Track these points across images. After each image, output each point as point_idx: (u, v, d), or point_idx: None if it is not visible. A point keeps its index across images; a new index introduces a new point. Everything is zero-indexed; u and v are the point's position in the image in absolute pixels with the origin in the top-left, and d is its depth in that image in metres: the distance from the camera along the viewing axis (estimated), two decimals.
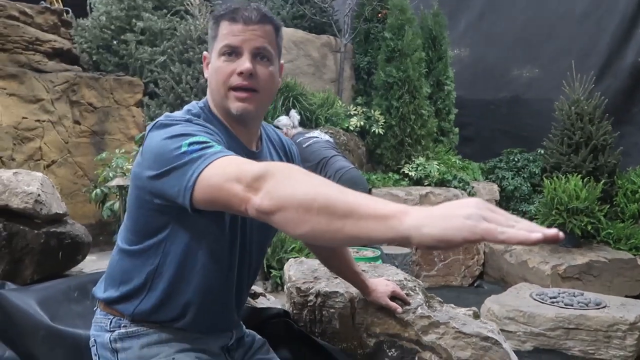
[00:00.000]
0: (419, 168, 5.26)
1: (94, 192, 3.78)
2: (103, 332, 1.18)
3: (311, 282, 1.61)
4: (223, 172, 0.92)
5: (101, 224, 4.07)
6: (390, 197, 4.68)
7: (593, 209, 4.46)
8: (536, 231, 0.66)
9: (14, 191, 2.17)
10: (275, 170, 0.87)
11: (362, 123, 5.45)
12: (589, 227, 4.42)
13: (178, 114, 1.13)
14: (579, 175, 4.71)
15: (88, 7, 5.20)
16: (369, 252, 3.18)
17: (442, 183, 5.21)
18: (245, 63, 1.12)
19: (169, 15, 5.05)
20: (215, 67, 1.15)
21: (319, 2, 6.16)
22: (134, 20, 4.84)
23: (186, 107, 1.19)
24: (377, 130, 5.43)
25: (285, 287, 1.74)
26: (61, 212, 2.36)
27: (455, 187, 5.15)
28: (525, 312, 3.09)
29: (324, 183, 0.84)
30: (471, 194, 5.15)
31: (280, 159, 1.32)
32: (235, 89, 1.13)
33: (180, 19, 5.04)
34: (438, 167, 5.29)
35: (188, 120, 1.07)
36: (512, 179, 5.81)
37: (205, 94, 1.23)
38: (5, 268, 2.11)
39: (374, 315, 1.50)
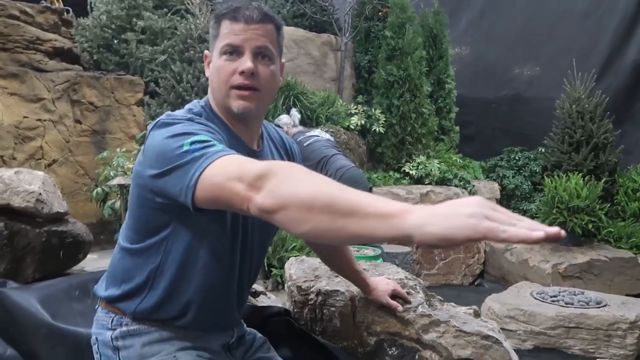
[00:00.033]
0: (420, 167, 5.26)
1: (95, 191, 3.79)
2: (104, 330, 1.19)
3: (312, 280, 1.62)
4: (225, 171, 0.92)
5: (102, 223, 4.08)
6: (391, 195, 4.68)
7: (594, 207, 4.46)
8: (538, 229, 0.67)
9: (16, 190, 2.17)
10: (277, 169, 0.87)
11: (362, 122, 5.45)
12: (590, 226, 4.42)
13: (179, 112, 1.13)
14: (580, 174, 4.70)
15: (88, 7, 5.20)
16: (369, 251, 3.18)
17: (442, 182, 5.21)
18: (246, 62, 1.12)
19: (169, 14, 5.06)
20: (217, 66, 1.15)
21: (319, 1, 6.16)
22: (134, 20, 4.84)
23: (187, 106, 1.19)
24: (377, 129, 5.43)
25: (286, 285, 1.75)
26: (62, 211, 2.37)
27: (456, 186, 5.15)
28: (525, 310, 3.09)
29: (326, 182, 0.84)
30: (472, 193, 5.15)
31: (282, 158, 1.32)
32: (237, 87, 1.14)
33: (181, 18, 5.04)
34: (439, 165, 5.29)
35: (190, 119, 1.07)
36: (513, 177, 5.81)
37: (205, 93, 1.23)
38: (6, 267, 2.12)
39: (374, 314, 1.50)
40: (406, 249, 3.88)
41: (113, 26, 4.83)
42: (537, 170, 5.70)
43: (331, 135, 4.29)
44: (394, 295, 1.50)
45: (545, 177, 4.89)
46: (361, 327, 1.51)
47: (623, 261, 4.39)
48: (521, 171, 5.87)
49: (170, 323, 1.17)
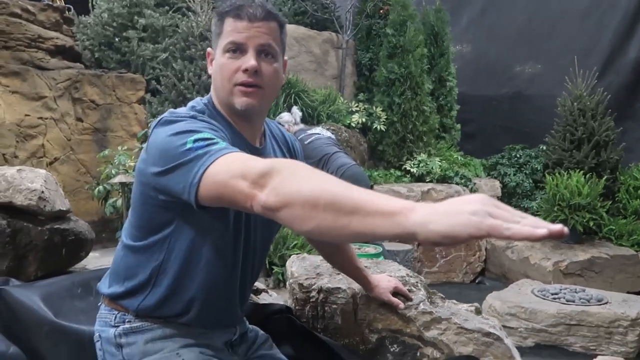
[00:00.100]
0: (421, 164, 5.26)
1: (97, 189, 3.79)
2: (108, 328, 1.19)
3: (313, 278, 1.62)
4: (228, 169, 0.92)
5: (104, 221, 4.08)
6: (392, 193, 4.68)
7: (595, 205, 4.46)
8: (541, 227, 0.67)
9: (18, 188, 2.18)
10: (281, 167, 0.87)
11: (363, 120, 5.45)
12: (591, 224, 4.42)
13: (182, 110, 1.14)
14: (581, 172, 4.70)
15: (90, 4, 5.20)
16: (370, 249, 3.18)
17: (443, 179, 5.21)
18: (250, 60, 1.12)
19: (170, 12, 5.06)
20: (220, 64, 1.15)
21: None
22: (135, 17, 4.84)
23: (190, 104, 1.19)
24: (378, 127, 5.43)
25: (287, 283, 1.75)
26: (64, 208, 2.37)
27: (457, 184, 5.15)
28: (526, 308, 3.09)
29: (329, 179, 0.85)
30: (473, 191, 5.15)
31: (284, 155, 1.32)
32: (240, 85, 1.14)
33: (182, 15, 5.04)
34: (440, 163, 5.29)
35: (193, 117, 1.07)
36: (514, 175, 5.80)
37: (207, 91, 1.23)
38: (9, 264, 2.13)
39: (376, 311, 1.50)
40: (407, 246, 3.88)
41: (114, 24, 4.83)
42: (539, 168, 5.70)
43: (332, 133, 4.29)
44: (396, 293, 1.50)
45: (546, 175, 4.89)
46: (363, 325, 1.52)
47: (624, 259, 4.39)
48: (522, 169, 5.87)
49: (173, 320, 1.18)
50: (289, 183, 0.85)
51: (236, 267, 1.19)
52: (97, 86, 4.39)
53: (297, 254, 1.98)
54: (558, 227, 0.66)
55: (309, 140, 3.90)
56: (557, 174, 4.74)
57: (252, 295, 1.74)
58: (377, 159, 5.68)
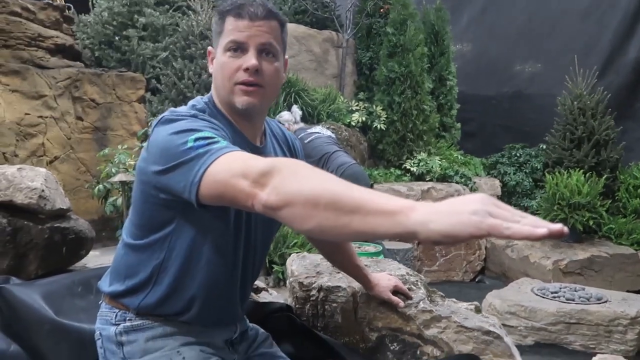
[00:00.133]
0: (421, 163, 5.26)
1: (97, 188, 3.79)
2: (108, 326, 1.19)
3: (314, 276, 1.62)
4: (229, 168, 0.92)
5: (104, 220, 4.08)
6: (392, 192, 4.68)
7: (595, 204, 4.46)
8: (541, 226, 0.67)
9: (18, 187, 2.18)
10: (282, 166, 0.88)
11: (364, 118, 5.45)
12: (591, 222, 4.42)
13: (183, 109, 1.14)
14: (581, 171, 4.70)
15: (90, 3, 5.19)
16: (370, 247, 3.19)
17: (443, 178, 5.21)
18: (251, 59, 1.12)
19: (171, 11, 5.05)
20: (221, 63, 1.16)
21: None
22: (136, 16, 4.83)
23: (191, 102, 1.19)
24: (379, 126, 5.43)
25: (287, 281, 1.75)
26: (65, 207, 2.37)
27: (457, 183, 5.15)
28: (526, 306, 3.10)
29: (330, 178, 0.85)
30: (473, 190, 5.15)
31: (284, 154, 1.32)
32: (241, 84, 1.14)
33: (182, 14, 5.03)
34: (440, 162, 5.29)
35: (193, 116, 1.08)
36: (514, 174, 5.80)
37: (207, 90, 1.24)
38: (9, 263, 2.13)
39: (376, 310, 1.51)
40: (407, 245, 3.88)
41: (114, 23, 4.83)
42: (538, 167, 5.70)
43: (332, 132, 4.29)
44: (396, 291, 1.51)
45: (546, 174, 4.89)
46: (363, 323, 1.52)
47: (624, 257, 4.40)
48: (522, 168, 5.87)
49: (173, 318, 1.18)
50: (289, 182, 0.85)
51: (237, 266, 1.20)
52: (97, 85, 4.38)
53: (297, 252, 1.99)
54: (558, 226, 0.67)
55: (309, 139, 3.90)
56: (557, 173, 4.74)
57: (252, 293, 1.74)
58: (377, 157, 5.68)
